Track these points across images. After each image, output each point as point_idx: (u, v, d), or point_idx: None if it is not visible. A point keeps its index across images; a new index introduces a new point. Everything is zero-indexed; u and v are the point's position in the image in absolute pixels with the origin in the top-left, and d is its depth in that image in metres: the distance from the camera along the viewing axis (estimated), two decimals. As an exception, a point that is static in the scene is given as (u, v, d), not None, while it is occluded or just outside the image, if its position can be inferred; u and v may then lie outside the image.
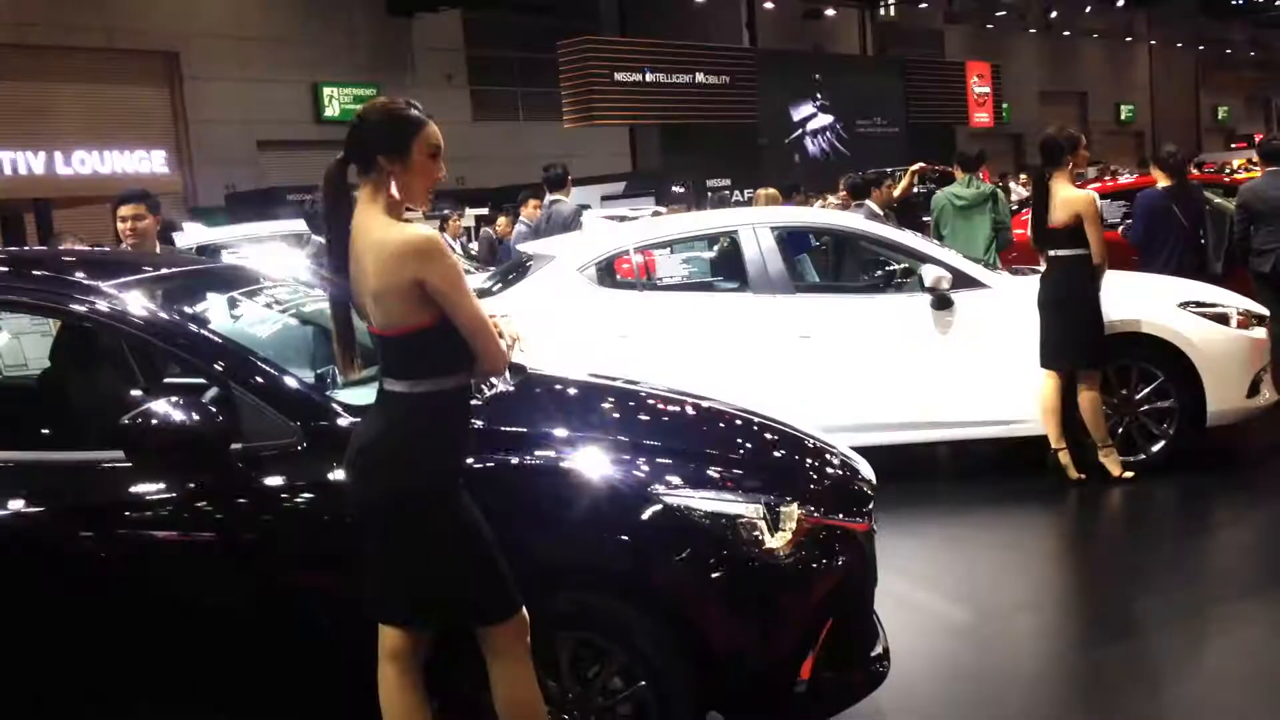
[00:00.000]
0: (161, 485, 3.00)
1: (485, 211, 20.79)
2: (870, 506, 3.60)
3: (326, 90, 28.15)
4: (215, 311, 3.47)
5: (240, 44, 26.65)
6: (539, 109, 30.35)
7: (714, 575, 3.07)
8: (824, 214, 8.70)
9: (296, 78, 27.51)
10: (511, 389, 3.74)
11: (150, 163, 19.93)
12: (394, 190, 2.77)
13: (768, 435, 3.79)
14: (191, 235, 10.30)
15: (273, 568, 3.04)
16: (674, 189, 23.88)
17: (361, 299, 2.80)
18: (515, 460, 3.14)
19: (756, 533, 3.14)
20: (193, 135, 26.27)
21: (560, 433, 3.30)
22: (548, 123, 28.14)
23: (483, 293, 7.04)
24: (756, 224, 6.71)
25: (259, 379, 3.07)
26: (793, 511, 3.24)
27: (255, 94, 26.48)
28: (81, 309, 3.11)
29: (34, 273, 3.30)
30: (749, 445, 3.70)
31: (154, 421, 2.83)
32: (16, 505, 3.01)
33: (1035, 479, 6.47)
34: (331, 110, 28.51)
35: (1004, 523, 6.08)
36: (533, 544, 3.01)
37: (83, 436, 3.08)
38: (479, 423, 3.16)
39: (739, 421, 3.86)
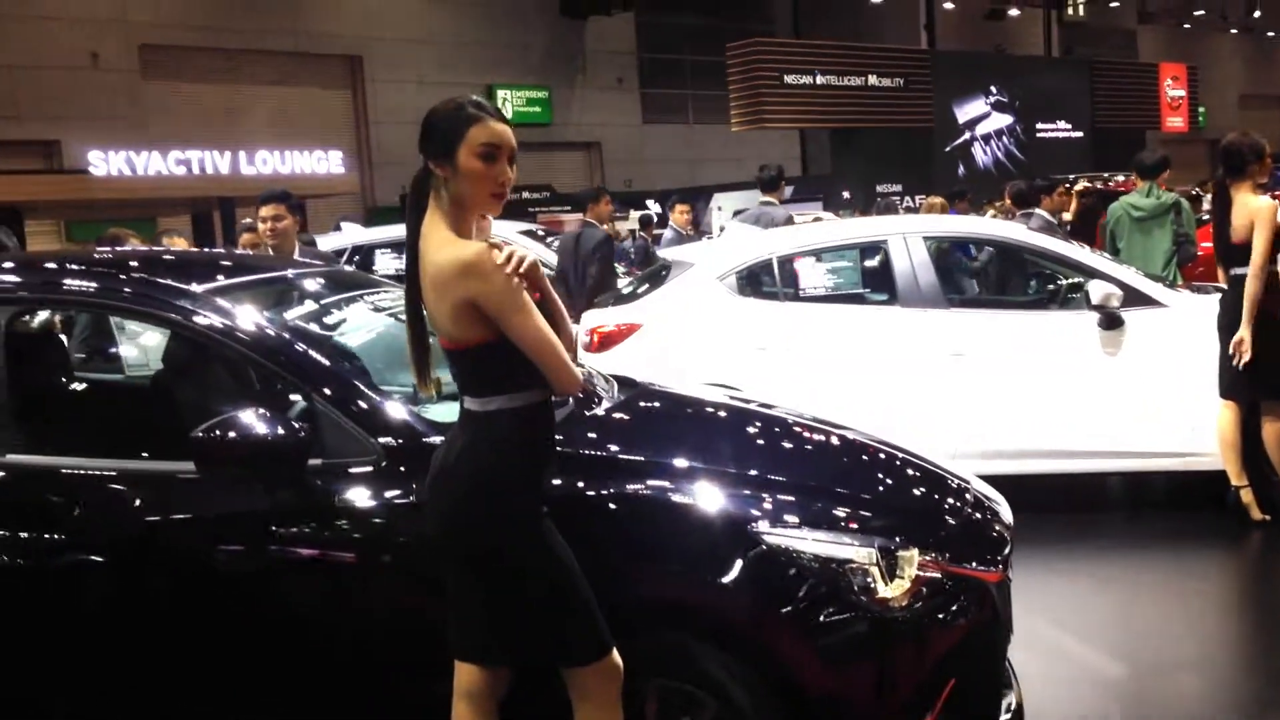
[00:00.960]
0: (233, 501, 2.89)
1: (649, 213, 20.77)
2: (1007, 552, 3.25)
3: (500, 92, 28.60)
4: (314, 318, 3.35)
5: (418, 47, 27.36)
6: (709, 111, 30.20)
7: (818, 625, 2.78)
8: (981, 223, 8.20)
9: (471, 80, 28.00)
10: (616, 405, 3.53)
11: (328, 163, 20.49)
12: (445, 197, 2.58)
13: (901, 472, 3.48)
14: (348, 235, 10.47)
15: (343, 590, 2.89)
16: (843, 195, 23.41)
17: (429, 312, 2.63)
18: (605, 487, 2.91)
19: (869, 580, 2.84)
20: (372, 137, 27.10)
21: (660, 459, 3.05)
22: (717, 125, 27.95)
23: (618, 299, 6.87)
24: (907, 233, 6.33)
25: (339, 391, 2.93)
26: (912, 557, 2.93)
27: (431, 96, 27.03)
28: (161, 313, 3.04)
29: (121, 275, 3.24)
30: (878, 482, 3.38)
31: (228, 434, 2.72)
32: (81, 517, 2.96)
33: (1212, 518, 5.91)
34: (504, 112, 28.92)
35: (1172, 565, 5.54)
36: (621, 580, 2.79)
37: (172, 445, 2.99)
38: (568, 444, 2.97)
39: (871, 455, 3.56)
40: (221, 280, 3.20)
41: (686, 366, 6.16)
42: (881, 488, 3.33)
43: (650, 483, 2.93)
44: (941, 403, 5.96)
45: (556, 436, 2.74)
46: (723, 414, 3.81)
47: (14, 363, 3.23)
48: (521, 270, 2.52)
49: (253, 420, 2.75)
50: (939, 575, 2.97)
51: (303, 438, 2.80)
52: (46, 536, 2.98)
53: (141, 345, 4.45)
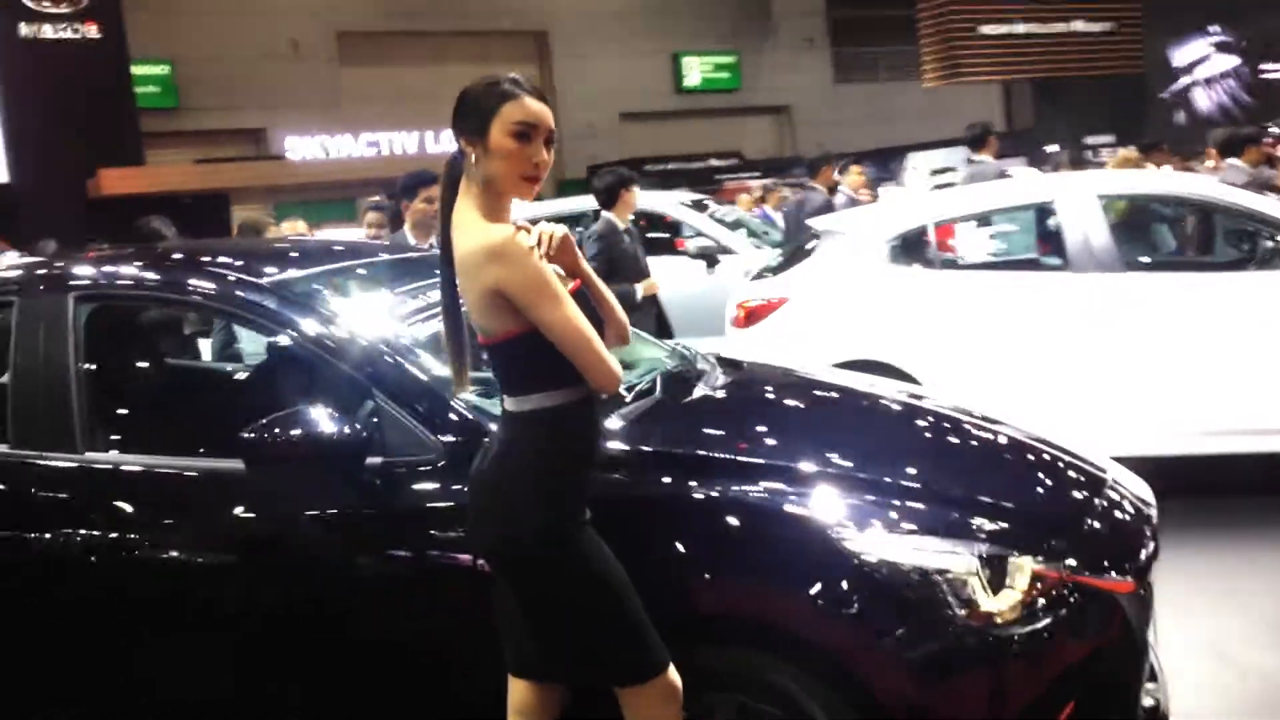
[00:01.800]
0: (287, 501, 2.79)
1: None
2: (1145, 558, 2.86)
3: (686, 60, 28.40)
4: (386, 306, 3.21)
5: (604, 19, 27.39)
6: (902, 69, 29.09)
7: (905, 641, 2.48)
8: (1160, 178, 7.45)
9: (655, 48, 27.92)
10: (708, 392, 3.29)
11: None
12: (477, 177, 2.38)
13: (1032, 467, 3.13)
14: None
15: (399, 593, 2.76)
16: (1046, 149, 22.19)
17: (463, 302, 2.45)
18: (673, 486, 2.68)
19: (968, 591, 2.52)
20: (559, 110, 27.33)
21: (738, 454, 2.80)
22: (910, 83, 26.93)
23: (767, 271, 6.58)
24: (1079, 192, 5.79)
25: (399, 387, 2.79)
26: (1024, 565, 2.59)
27: (618, 67, 27.14)
28: (229, 307, 2.97)
29: (191, 269, 3.19)
30: (999, 481, 3.02)
31: (276, 432, 2.61)
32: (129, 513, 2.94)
33: None
34: (691, 80, 28.76)
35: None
36: (688, 590, 2.56)
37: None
38: (637, 438, 2.76)
39: (998, 447, 3.23)
40: (292, 272, 3.11)
41: (835, 342, 5.85)
42: (1003, 487, 2.96)
43: (725, 483, 2.67)
44: (1116, 376, 5.44)
45: (602, 436, 2.53)
46: (830, 402, 3.52)
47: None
48: (551, 251, 2.32)
49: (305, 418, 2.64)
50: (1058, 586, 2.63)
51: (355, 436, 2.66)
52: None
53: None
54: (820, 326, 5.92)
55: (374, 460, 2.74)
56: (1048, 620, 2.57)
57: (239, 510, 2.87)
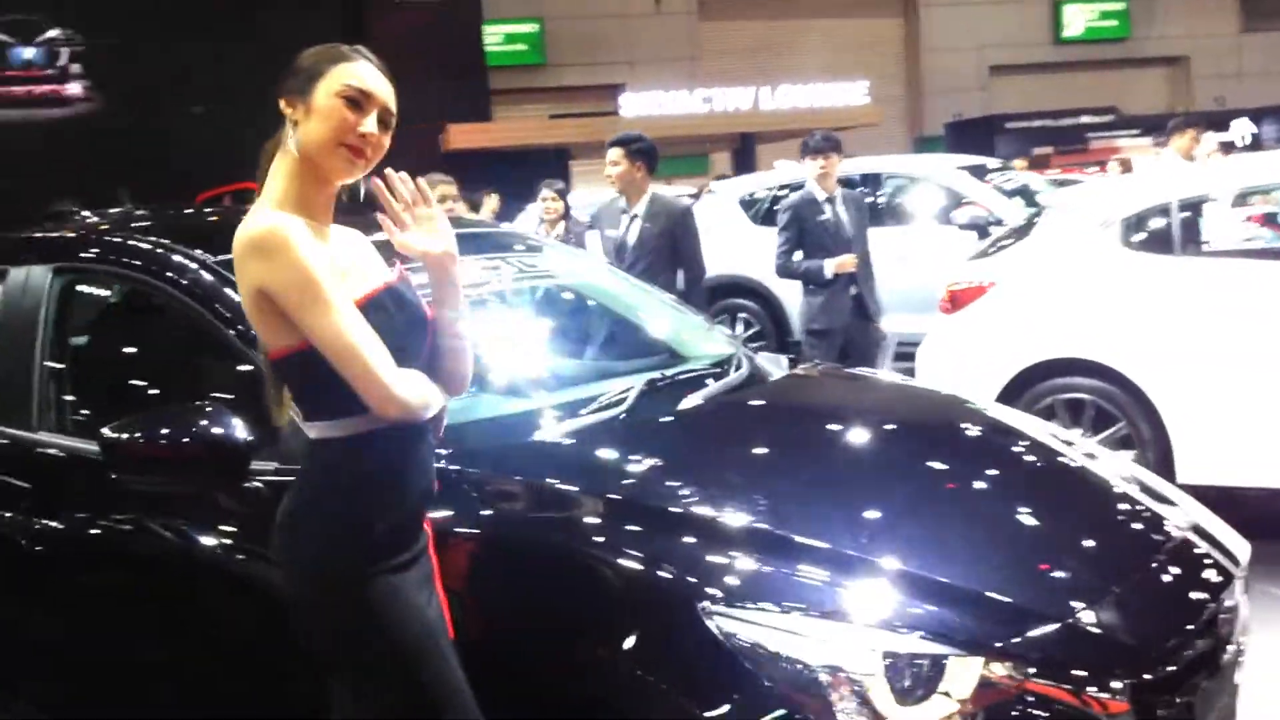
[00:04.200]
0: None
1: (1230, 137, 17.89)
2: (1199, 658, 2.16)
3: (1068, 8, 26.17)
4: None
5: (977, -33, 25.74)
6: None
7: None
8: None
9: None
10: (699, 409, 2.81)
11: (851, 94, 19.87)
12: (291, 146, 2.03)
13: (1069, 535, 2.45)
14: (781, 173, 9.97)
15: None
16: None
17: None
18: (543, 531, 2.26)
19: (865, 696, 1.96)
20: (923, 64, 26.07)
21: (651, 500, 2.32)
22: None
23: (978, 253, 5.78)
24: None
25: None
26: (969, 667, 1.99)
27: (990, 16, 25.47)
28: (149, 278, 2.77)
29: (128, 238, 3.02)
30: (1008, 549, 2.37)
31: (141, 432, 2.36)
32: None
33: None
34: (1073, 29, 26.52)
35: None
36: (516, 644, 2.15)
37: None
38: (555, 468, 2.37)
39: (1052, 504, 2.59)
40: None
41: (1040, 336, 5.04)
42: (995, 556, 2.32)
43: (605, 529, 2.23)
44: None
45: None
46: (831, 428, 2.93)
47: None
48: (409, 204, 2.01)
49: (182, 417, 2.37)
50: (1012, 698, 2.00)
51: (240, 440, 2.37)
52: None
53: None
54: (1026, 317, 5.11)
55: (263, 465, 2.45)
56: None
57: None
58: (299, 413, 2.11)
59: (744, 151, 19.28)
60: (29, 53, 18.29)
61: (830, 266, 5.72)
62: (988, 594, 2.17)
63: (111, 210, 3.89)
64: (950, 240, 8.19)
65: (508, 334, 3.11)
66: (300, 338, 1.95)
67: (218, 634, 2.58)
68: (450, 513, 2.23)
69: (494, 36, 22.72)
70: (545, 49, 24.00)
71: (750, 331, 9.05)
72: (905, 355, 6.52)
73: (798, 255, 5.91)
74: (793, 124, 18.33)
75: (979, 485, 2.65)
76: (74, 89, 18.41)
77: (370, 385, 1.92)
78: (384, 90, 2.08)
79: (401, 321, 2.05)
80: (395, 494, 2.05)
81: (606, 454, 2.55)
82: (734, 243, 8.99)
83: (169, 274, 2.74)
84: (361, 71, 2.05)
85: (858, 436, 2.87)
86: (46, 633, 2.88)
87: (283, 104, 2.05)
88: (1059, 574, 2.31)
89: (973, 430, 3.00)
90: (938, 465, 2.71)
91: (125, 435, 2.36)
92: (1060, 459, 2.83)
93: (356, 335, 1.93)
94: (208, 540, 2.54)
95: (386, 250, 2.17)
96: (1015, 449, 2.88)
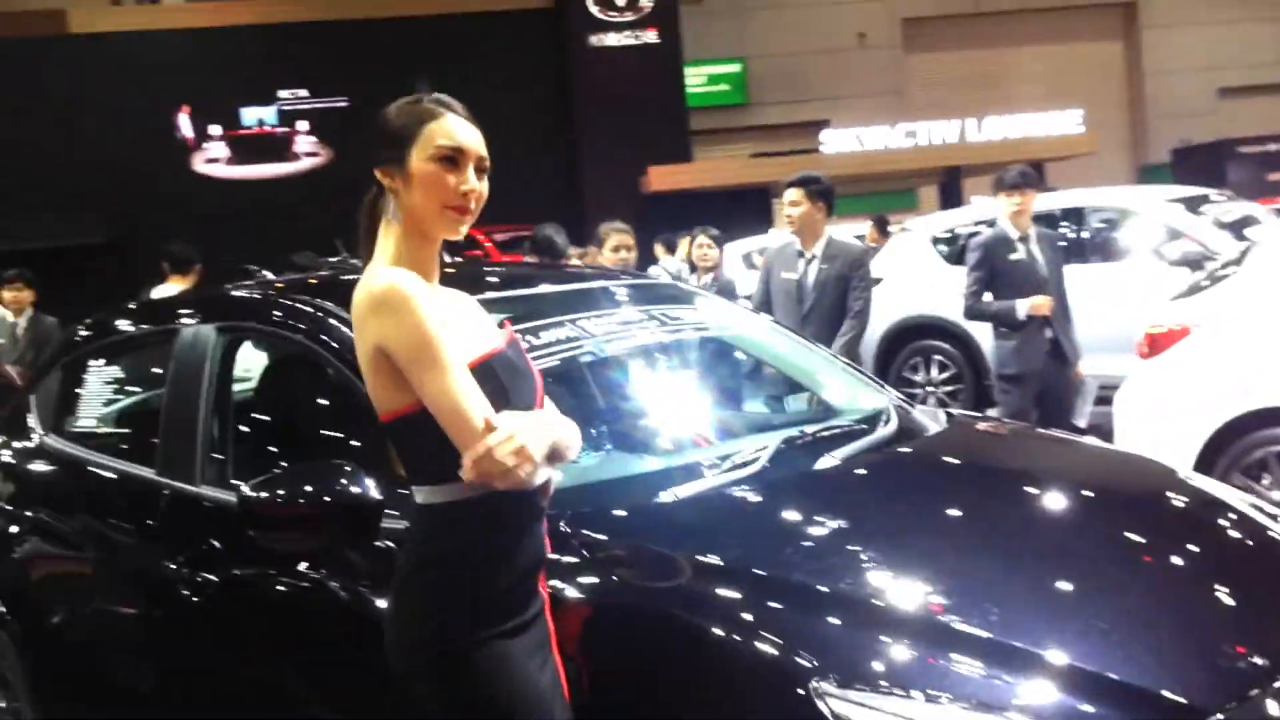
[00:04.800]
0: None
1: None
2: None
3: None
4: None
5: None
6: None
7: None
8: None
9: (1267, 15, 24.36)
10: (832, 470, 2.69)
11: (1063, 123, 19.02)
12: (395, 217, 2.05)
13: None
14: (976, 210, 9.61)
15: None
16: None
17: None
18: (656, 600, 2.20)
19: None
20: (1146, 88, 24.85)
21: (769, 569, 2.23)
22: None
23: (1183, 293, 5.39)
24: None
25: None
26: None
27: (1219, 36, 24.07)
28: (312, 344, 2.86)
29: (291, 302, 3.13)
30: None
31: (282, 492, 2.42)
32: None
33: None
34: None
35: None
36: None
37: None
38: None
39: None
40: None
41: (1257, 382, 4.64)
42: (1177, 647, 2.09)
43: (683, 591, 2.16)
44: None
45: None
46: (990, 489, 2.75)
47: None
48: None
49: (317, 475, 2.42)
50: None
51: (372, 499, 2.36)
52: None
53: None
54: (1233, 362, 4.73)
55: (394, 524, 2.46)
56: None
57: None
58: (409, 476, 2.12)
59: (950, 186, 18.76)
60: (262, 112, 19.64)
61: (1024, 307, 5.46)
62: (1164, 694, 1.95)
63: (310, 263, 4.07)
64: (1160, 277, 7.70)
65: (647, 390, 3.09)
66: (411, 399, 1.96)
67: (354, 691, 2.62)
68: (561, 575, 2.20)
69: (697, 78, 22.97)
70: (748, 88, 24.07)
71: (946, 375, 8.74)
72: (1108, 399, 6.17)
73: (988, 296, 5.68)
74: (1002, 156, 17.74)
75: (1163, 562, 2.40)
76: (303, 145, 19.63)
77: (471, 443, 1.89)
78: (475, 140, 2.07)
79: (512, 385, 2.04)
80: (500, 561, 2.02)
81: (727, 518, 2.46)
82: (927, 282, 8.73)
83: (322, 336, 2.81)
84: (451, 127, 2.04)
85: (1010, 502, 2.67)
86: (206, 683, 2.99)
87: (379, 174, 2.07)
88: (1250, 668, 2.06)
89: (1155, 498, 2.75)
90: (1108, 536, 2.49)
91: (262, 494, 2.41)
92: (1269, 534, 2.56)
93: (467, 398, 1.92)
94: (343, 595, 2.60)
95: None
96: (1199, 518, 2.63)
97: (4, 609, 3.46)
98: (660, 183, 17.95)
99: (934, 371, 8.76)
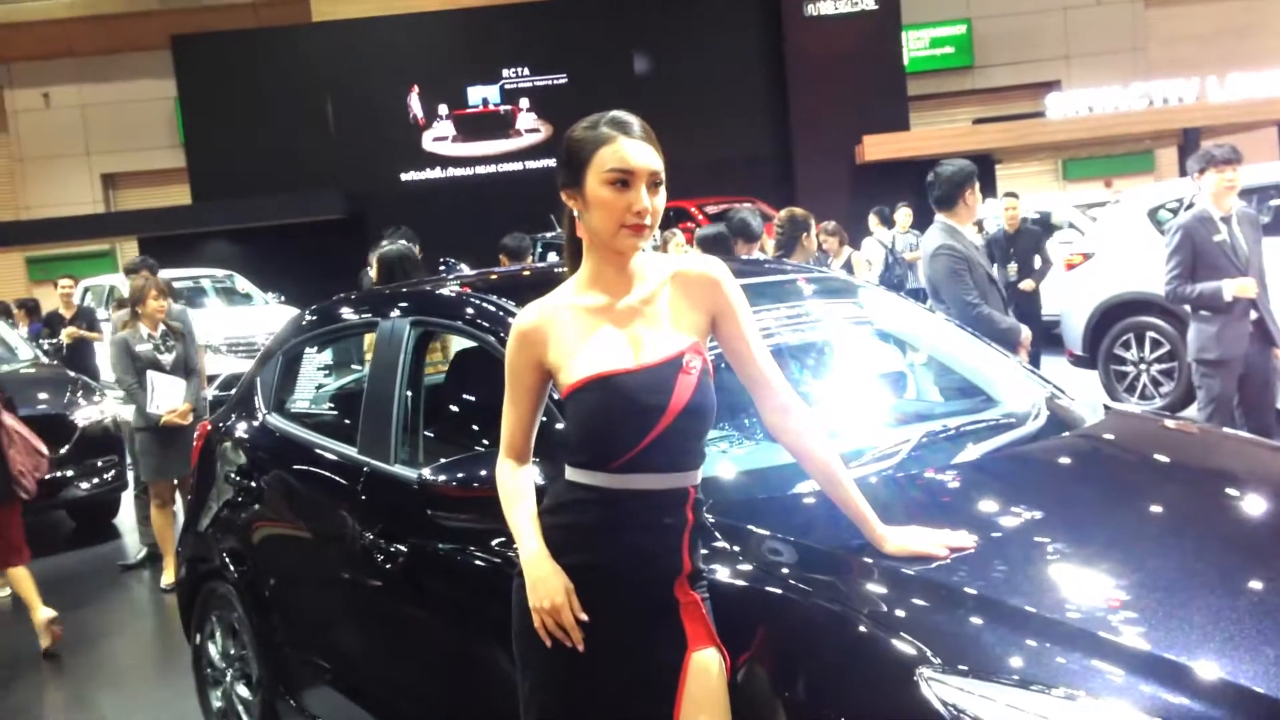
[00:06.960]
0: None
1: None
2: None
3: None
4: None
5: None
6: None
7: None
8: None
9: None
10: (967, 464, 2.75)
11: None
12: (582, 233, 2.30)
13: None
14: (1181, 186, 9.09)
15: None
16: None
17: None
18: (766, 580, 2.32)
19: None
20: None
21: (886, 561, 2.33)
22: None
23: None
24: None
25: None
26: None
27: None
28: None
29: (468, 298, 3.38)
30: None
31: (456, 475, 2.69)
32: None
33: None
34: None
35: None
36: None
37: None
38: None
39: None
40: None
41: None
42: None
43: (806, 580, 2.27)
44: None
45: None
46: (1136, 485, 2.73)
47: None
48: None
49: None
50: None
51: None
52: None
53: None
54: None
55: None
56: None
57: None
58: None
59: (1188, 149, 17.71)
60: (486, 91, 20.43)
61: (1230, 288, 5.27)
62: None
63: (517, 245, 4.34)
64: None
65: (802, 381, 3.21)
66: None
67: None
68: (700, 560, 2.36)
69: (918, 41, 22.43)
70: (973, 50, 23.33)
71: (1160, 352, 8.41)
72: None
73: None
74: (1246, 116, 16.66)
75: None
76: (525, 122, 20.33)
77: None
78: (646, 159, 2.21)
79: (617, 407, 2.19)
80: (575, 538, 2.24)
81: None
82: (1140, 257, 8.40)
83: (501, 334, 3.01)
84: (623, 150, 2.20)
85: (1155, 499, 2.67)
86: (392, 646, 3.33)
87: (564, 196, 2.29)
88: None
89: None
90: (1251, 539, 2.49)
91: (440, 478, 2.71)
92: None
93: (504, 422, 2.38)
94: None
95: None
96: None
97: (231, 565, 3.92)
98: (874, 153, 17.73)
99: (1146, 350, 8.45)
